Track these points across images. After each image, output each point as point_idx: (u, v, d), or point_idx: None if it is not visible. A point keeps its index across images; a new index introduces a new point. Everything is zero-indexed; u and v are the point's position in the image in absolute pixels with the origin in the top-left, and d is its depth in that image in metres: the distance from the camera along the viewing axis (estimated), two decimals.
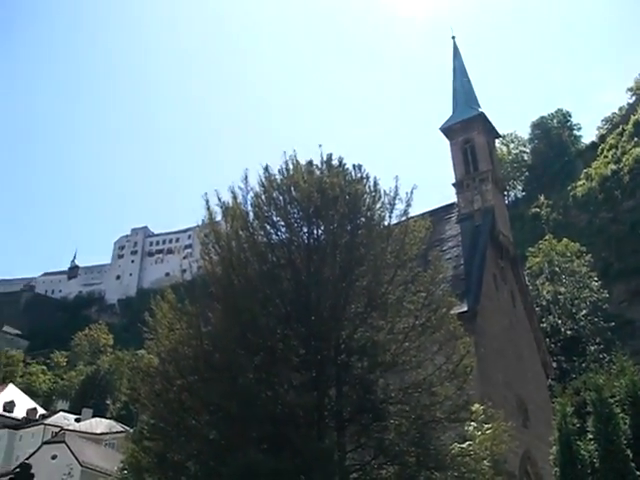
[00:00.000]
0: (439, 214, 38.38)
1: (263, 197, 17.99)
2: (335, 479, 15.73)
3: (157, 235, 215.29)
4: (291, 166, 18.24)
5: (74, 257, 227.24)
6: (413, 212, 18.71)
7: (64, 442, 58.02)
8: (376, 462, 16.79)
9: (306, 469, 15.08)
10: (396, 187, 17.99)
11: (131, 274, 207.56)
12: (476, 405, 18.44)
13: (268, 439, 16.14)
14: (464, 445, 17.30)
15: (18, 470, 5.85)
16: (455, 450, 16.78)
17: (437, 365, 17.00)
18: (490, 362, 31.50)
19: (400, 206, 18.04)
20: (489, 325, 34.09)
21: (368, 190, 18.19)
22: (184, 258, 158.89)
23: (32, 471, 6.02)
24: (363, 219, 17.85)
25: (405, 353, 16.76)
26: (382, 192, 18.20)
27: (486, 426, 19.29)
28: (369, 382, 16.60)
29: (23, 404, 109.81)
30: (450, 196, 41.67)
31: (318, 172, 18.18)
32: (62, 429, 76.34)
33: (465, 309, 30.55)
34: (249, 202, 18.20)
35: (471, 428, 18.66)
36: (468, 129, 41.85)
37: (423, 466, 16.38)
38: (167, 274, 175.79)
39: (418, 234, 18.01)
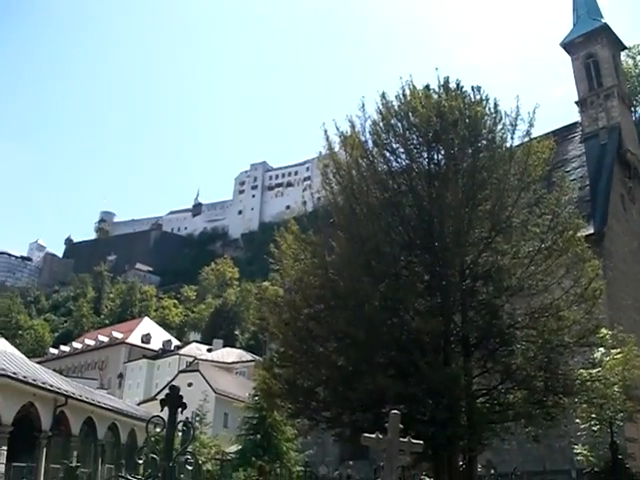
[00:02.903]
0: (562, 134, 37.05)
1: (381, 124, 17.79)
2: (462, 404, 15.84)
3: (276, 169, 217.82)
4: (408, 91, 17.91)
5: (197, 195, 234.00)
6: (535, 133, 18.10)
7: (198, 371, 60.85)
8: (503, 387, 16.74)
9: (433, 394, 15.21)
10: (517, 107, 17.40)
11: (252, 208, 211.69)
12: (604, 330, 17.99)
13: (395, 365, 16.35)
14: (593, 370, 17.00)
15: (168, 392, 6.23)
16: (584, 375, 16.50)
17: (564, 289, 16.56)
18: (619, 285, 30.63)
19: (522, 127, 17.46)
20: (617, 247, 33.03)
21: (488, 112, 17.68)
22: (304, 190, 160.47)
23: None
24: (484, 142, 17.42)
25: (531, 277, 16.43)
26: (503, 113, 17.66)
27: (616, 351, 18.86)
28: (495, 307, 16.43)
29: (158, 336, 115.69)
30: (573, 115, 40.08)
31: (436, 96, 17.77)
32: (195, 359, 79.95)
33: (592, 231, 29.66)
34: (367, 130, 18.06)
35: (599, 353, 18.30)
36: (591, 42, 39.77)
37: (551, 391, 16.22)
38: (287, 207, 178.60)
39: (542, 155, 17.44)
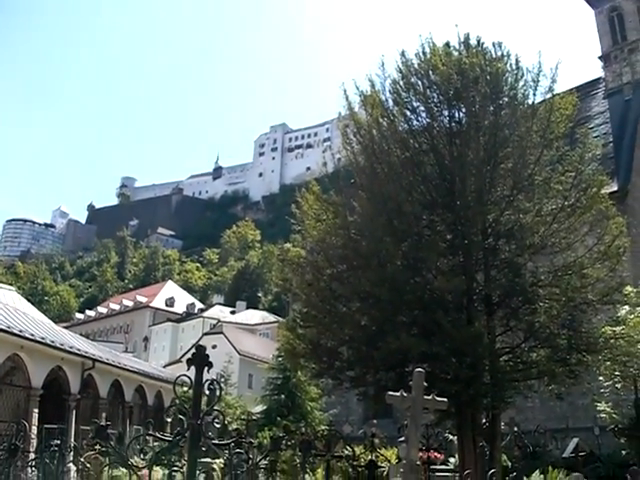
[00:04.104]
0: (585, 90, 36.54)
1: (401, 83, 17.56)
2: (485, 362, 15.86)
3: (295, 131, 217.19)
4: (428, 49, 17.67)
5: (217, 158, 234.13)
6: (557, 89, 17.81)
7: (222, 333, 61.62)
8: (526, 345, 16.71)
9: (456, 352, 15.23)
10: (539, 63, 17.08)
11: (273, 171, 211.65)
12: (629, 287, 17.86)
13: (418, 324, 16.33)
14: (617, 328, 16.94)
15: (194, 352, 6.30)
16: (607, 333, 16.45)
17: (588, 246, 16.41)
18: None
19: (544, 83, 17.17)
20: None
21: (510, 68, 17.41)
22: (324, 151, 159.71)
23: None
24: (506, 99, 17.16)
25: (554, 235, 16.32)
26: (524, 69, 17.36)
27: None
28: (517, 265, 16.36)
29: (182, 299, 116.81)
30: (596, 71, 39.51)
31: (456, 53, 17.52)
32: (219, 321, 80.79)
33: (615, 188, 29.39)
34: (387, 89, 17.82)
35: (624, 311, 18.21)
36: None
37: (574, 349, 16.15)
38: (308, 168, 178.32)
39: (564, 111, 17.20)
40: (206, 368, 6.99)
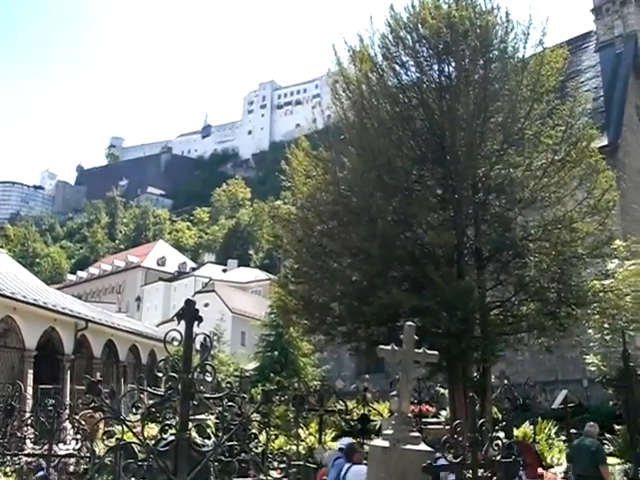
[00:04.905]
0: (575, 44, 36.25)
1: (390, 37, 17.36)
2: (476, 316, 15.94)
3: (284, 87, 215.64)
4: (417, 2, 17.44)
5: (206, 117, 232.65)
6: (548, 43, 17.64)
7: (214, 291, 61.96)
8: (516, 299, 16.77)
9: (447, 306, 15.29)
10: (530, 16, 16.88)
11: (262, 128, 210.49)
12: (618, 241, 17.92)
13: (409, 279, 16.41)
14: (606, 282, 17.00)
15: (184, 306, 6.30)
16: (597, 286, 16.52)
17: (577, 201, 16.40)
18: (632, 197, 30.40)
19: (535, 36, 16.96)
20: (631, 159, 32.74)
21: (499, 21, 17.17)
22: (313, 108, 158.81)
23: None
24: (496, 52, 16.96)
25: (544, 189, 16.29)
26: (515, 22, 17.15)
27: (629, 262, 18.87)
28: (508, 219, 16.37)
29: (174, 259, 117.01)
30: (587, 24, 39.18)
31: (446, 6, 17.27)
32: (211, 279, 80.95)
33: (606, 143, 29.32)
34: (376, 44, 17.63)
35: (613, 265, 18.28)
36: None
37: (564, 302, 16.21)
38: (297, 125, 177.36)
39: (555, 65, 17.03)
40: (196, 323, 7.00)
